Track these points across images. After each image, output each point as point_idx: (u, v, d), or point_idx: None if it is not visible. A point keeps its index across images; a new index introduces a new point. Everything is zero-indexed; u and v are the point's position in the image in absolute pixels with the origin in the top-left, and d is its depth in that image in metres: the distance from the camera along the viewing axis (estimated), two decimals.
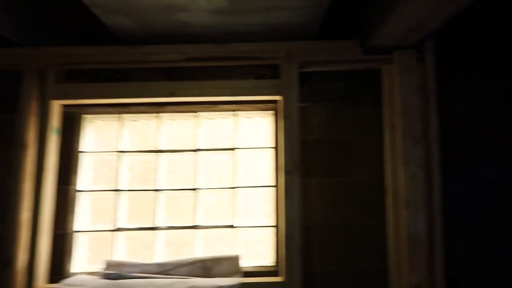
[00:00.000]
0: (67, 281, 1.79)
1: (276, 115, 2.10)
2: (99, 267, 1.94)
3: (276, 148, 2.07)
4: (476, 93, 1.95)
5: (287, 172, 1.92)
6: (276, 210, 2.01)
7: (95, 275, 1.85)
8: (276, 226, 2.00)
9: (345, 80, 2.02)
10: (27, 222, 1.87)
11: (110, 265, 1.87)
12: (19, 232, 1.84)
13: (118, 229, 2.00)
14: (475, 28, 2.00)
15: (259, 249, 2.05)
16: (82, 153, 2.06)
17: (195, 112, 2.11)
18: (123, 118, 2.12)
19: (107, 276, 1.80)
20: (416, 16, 1.57)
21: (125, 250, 2.05)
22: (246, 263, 1.97)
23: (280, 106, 2.00)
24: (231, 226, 2.01)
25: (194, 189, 2.05)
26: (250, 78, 2.04)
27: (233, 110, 2.11)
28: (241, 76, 2.05)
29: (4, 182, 1.94)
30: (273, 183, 2.06)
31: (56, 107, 2.00)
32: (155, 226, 2.01)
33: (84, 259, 2.02)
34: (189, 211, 2.05)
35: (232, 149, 2.09)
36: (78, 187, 2.02)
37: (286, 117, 1.96)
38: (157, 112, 2.11)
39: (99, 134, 2.16)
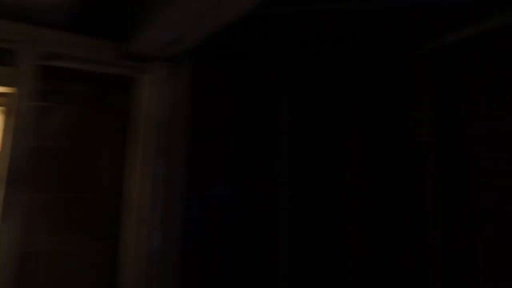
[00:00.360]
0: None
1: (6, 112, 1.68)
2: None
3: None
4: (226, 113, 2.08)
5: (9, 183, 1.54)
6: None
7: None
8: None
9: (95, 83, 1.81)
10: None
11: None
12: None
13: None
14: (235, 49, 2.13)
15: None
16: None
17: None
18: None
19: None
20: (173, 30, 1.52)
21: None
22: None
23: (11, 101, 1.61)
24: None
25: None
26: None
27: None
28: None
29: None
30: None
31: None
32: None
33: None
34: None
35: None
36: None
37: (17, 116, 1.58)
38: None
39: None
